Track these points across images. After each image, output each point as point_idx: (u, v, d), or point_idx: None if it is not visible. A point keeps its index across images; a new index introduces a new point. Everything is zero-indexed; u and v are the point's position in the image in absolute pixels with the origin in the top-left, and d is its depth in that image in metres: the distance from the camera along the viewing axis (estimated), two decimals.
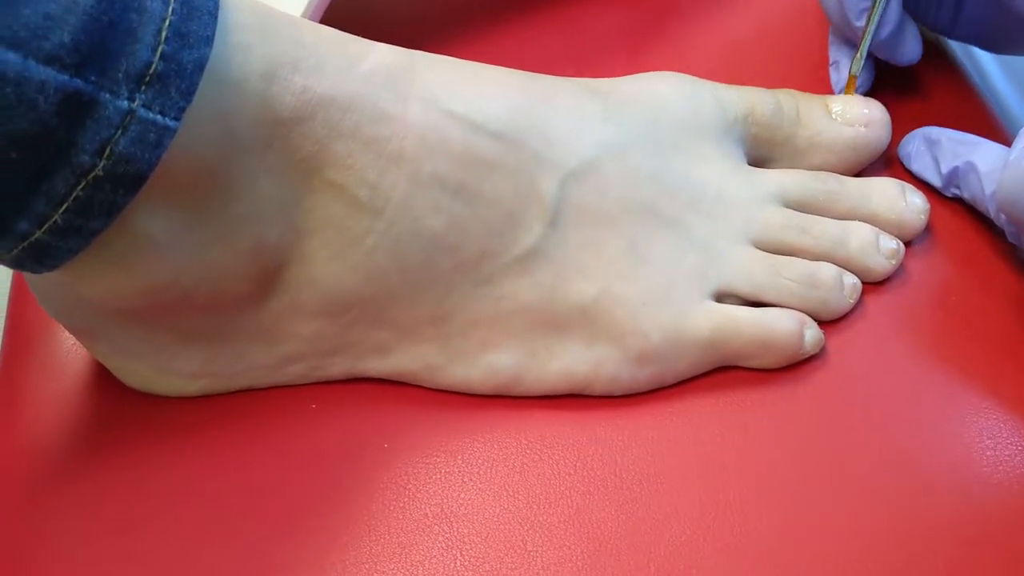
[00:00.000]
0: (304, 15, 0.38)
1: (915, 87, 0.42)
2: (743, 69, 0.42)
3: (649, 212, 0.33)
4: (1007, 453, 0.31)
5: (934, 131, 0.38)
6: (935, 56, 0.43)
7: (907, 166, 0.39)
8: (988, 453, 0.31)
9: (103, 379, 0.34)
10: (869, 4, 0.37)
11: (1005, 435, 0.31)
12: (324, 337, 0.32)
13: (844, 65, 0.40)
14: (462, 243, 0.31)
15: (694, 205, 0.33)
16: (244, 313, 0.31)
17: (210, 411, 0.33)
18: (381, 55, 0.30)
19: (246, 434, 0.33)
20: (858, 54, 0.38)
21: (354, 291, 0.31)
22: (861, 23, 0.38)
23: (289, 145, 0.28)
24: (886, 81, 0.41)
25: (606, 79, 0.35)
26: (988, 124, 0.42)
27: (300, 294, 0.31)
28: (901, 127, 0.40)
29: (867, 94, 0.40)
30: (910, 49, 0.39)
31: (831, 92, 0.41)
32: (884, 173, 0.39)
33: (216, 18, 0.26)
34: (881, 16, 0.37)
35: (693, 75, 0.36)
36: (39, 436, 0.33)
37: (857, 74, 0.38)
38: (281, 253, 0.30)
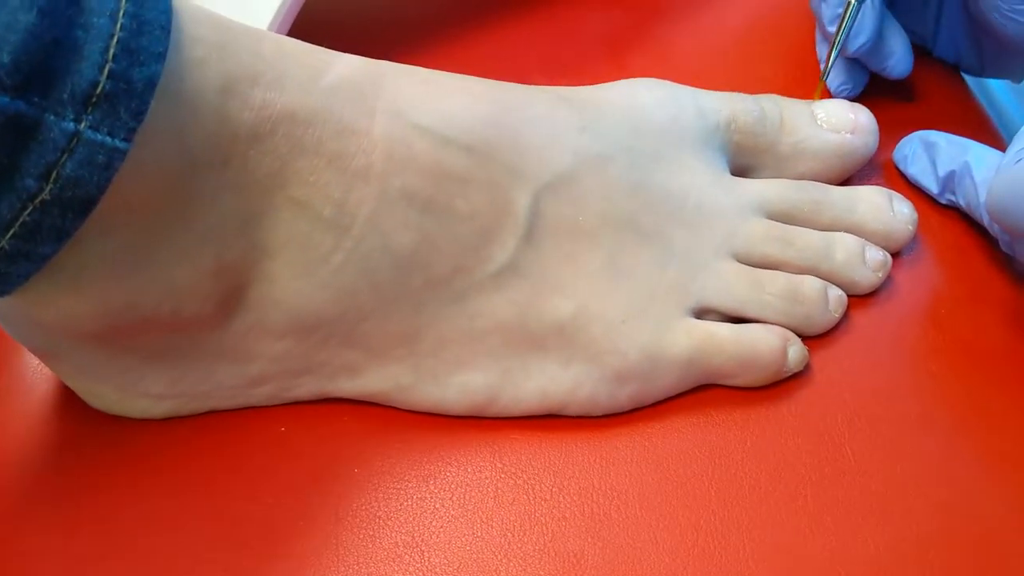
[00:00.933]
0: (273, 24, 0.37)
1: (910, 91, 0.41)
2: (729, 72, 0.41)
3: (628, 225, 0.32)
4: (994, 472, 0.30)
5: (932, 134, 0.37)
6: (930, 61, 0.42)
7: (903, 170, 0.38)
8: (974, 473, 0.30)
9: (70, 401, 0.33)
10: (840, 11, 0.37)
11: (993, 454, 0.30)
12: (292, 357, 0.31)
13: (835, 69, 0.39)
14: (433, 260, 0.30)
15: (675, 217, 0.32)
16: (209, 333, 0.30)
17: (178, 434, 0.32)
18: (346, 67, 0.29)
19: (214, 460, 0.32)
20: (828, 61, 0.37)
21: (322, 310, 0.30)
22: (833, 29, 0.37)
23: (249, 162, 0.27)
24: (881, 85, 0.40)
25: (585, 87, 0.34)
26: (986, 129, 0.41)
27: (266, 313, 0.30)
28: (896, 132, 0.39)
29: (860, 98, 0.39)
30: (898, 62, 0.38)
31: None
32: (875, 180, 0.38)
33: (169, 33, 0.25)
34: (852, 25, 0.36)
35: (677, 80, 0.35)
36: (3, 462, 0.32)
37: (825, 79, 0.37)
38: (244, 272, 0.29)
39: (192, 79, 0.26)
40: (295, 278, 0.29)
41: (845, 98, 0.39)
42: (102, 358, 0.31)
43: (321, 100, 0.28)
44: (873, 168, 0.38)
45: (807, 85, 0.40)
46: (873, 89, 0.40)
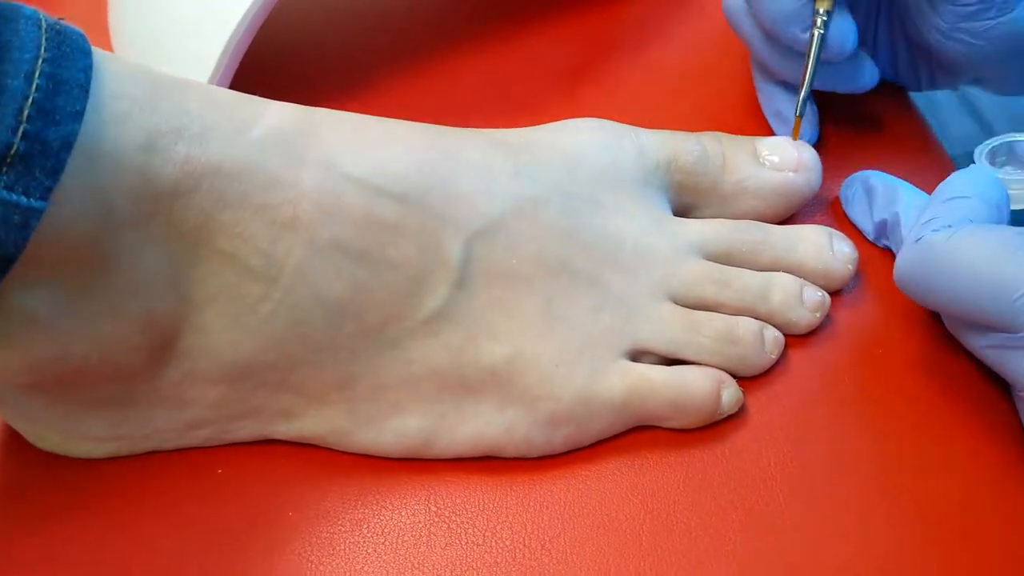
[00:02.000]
0: (224, 54, 0.37)
1: (861, 114, 0.41)
2: (683, 108, 0.41)
3: (563, 270, 0.32)
4: (929, 520, 0.30)
5: (872, 176, 0.37)
6: (889, 90, 0.42)
7: (845, 210, 0.38)
8: (908, 522, 0.30)
9: (15, 440, 0.33)
10: (804, 27, 0.36)
11: (927, 501, 0.30)
12: (228, 403, 0.31)
13: (788, 112, 0.39)
14: (365, 308, 0.30)
15: (611, 261, 0.32)
16: (143, 382, 0.30)
17: (119, 475, 0.32)
18: (277, 117, 0.29)
19: (153, 500, 0.32)
20: (801, 94, 0.36)
21: (253, 358, 0.30)
22: (801, 38, 0.36)
23: (173, 216, 0.27)
24: (832, 112, 0.40)
25: (525, 129, 0.34)
26: (932, 150, 0.41)
27: (198, 362, 0.30)
28: (846, 160, 0.39)
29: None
30: (866, 75, 0.38)
31: (769, 130, 0.40)
32: (823, 217, 0.38)
33: (87, 91, 0.25)
34: (819, 55, 0.36)
35: (632, 115, 0.35)
36: None
37: (802, 114, 0.37)
38: (174, 323, 0.29)
39: (113, 136, 0.26)
40: (225, 329, 0.29)
41: (809, 143, 0.39)
42: (42, 404, 0.31)
43: (248, 152, 0.28)
44: (821, 205, 0.38)
45: (759, 122, 0.40)
46: (831, 119, 0.40)
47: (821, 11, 0.35)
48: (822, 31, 0.35)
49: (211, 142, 0.28)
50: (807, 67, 0.36)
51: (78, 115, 0.25)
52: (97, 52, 0.26)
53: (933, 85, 0.40)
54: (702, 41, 0.43)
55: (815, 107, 0.39)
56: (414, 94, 0.41)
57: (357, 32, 0.44)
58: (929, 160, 0.40)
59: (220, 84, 0.38)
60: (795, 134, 0.36)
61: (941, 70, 0.39)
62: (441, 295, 0.30)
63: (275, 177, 0.28)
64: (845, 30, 0.36)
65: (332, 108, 0.32)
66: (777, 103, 0.39)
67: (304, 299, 0.29)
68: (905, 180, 0.37)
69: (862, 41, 0.40)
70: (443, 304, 0.30)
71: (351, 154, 0.30)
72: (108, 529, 0.31)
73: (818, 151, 0.39)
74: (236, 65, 0.38)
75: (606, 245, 0.32)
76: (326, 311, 0.29)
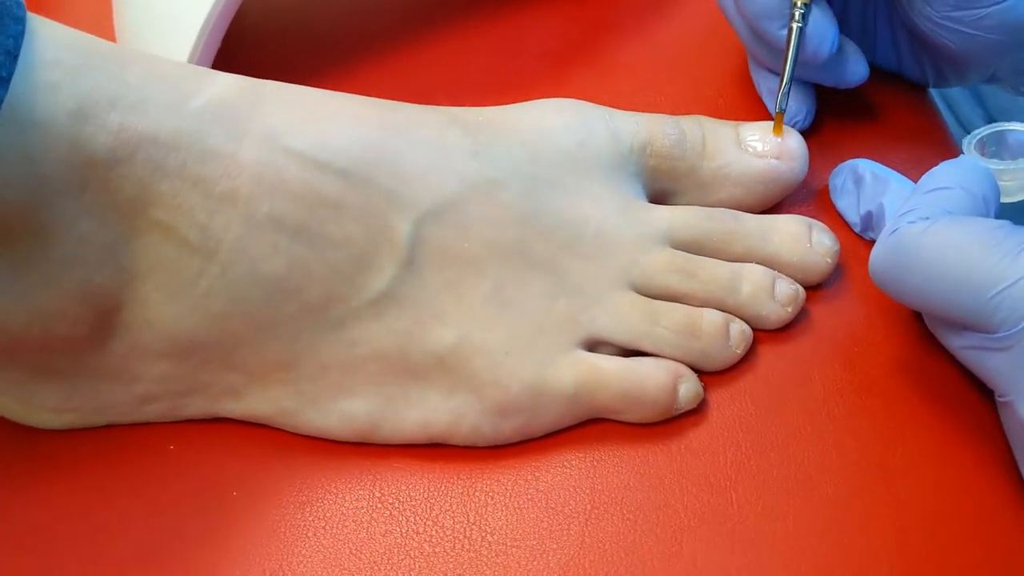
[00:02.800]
0: (202, 34, 0.37)
1: (872, 106, 0.39)
2: (673, 90, 0.40)
3: (518, 254, 0.31)
4: (888, 531, 0.28)
5: (861, 165, 0.35)
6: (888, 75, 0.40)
7: (833, 200, 0.36)
8: (861, 531, 0.28)
9: None
10: (783, 23, 0.35)
11: (885, 511, 0.29)
12: (175, 378, 0.31)
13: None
14: (305, 286, 0.29)
15: (571, 247, 0.31)
16: (89, 353, 0.30)
17: (75, 445, 0.32)
18: (221, 88, 0.29)
19: (100, 473, 0.32)
20: (780, 89, 0.35)
21: (194, 334, 0.29)
22: (779, 35, 0.35)
23: (108, 186, 0.27)
24: (831, 100, 0.38)
25: (490, 108, 0.33)
26: (940, 138, 0.39)
27: (140, 336, 0.30)
28: (845, 150, 0.37)
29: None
30: (854, 69, 0.36)
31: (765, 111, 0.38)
32: (810, 207, 0.36)
33: (15, 58, 0.25)
34: (799, 48, 0.34)
35: (618, 98, 0.34)
36: None
37: (783, 110, 0.35)
38: (113, 295, 0.29)
39: (42, 104, 0.26)
40: (165, 302, 0.29)
41: (800, 128, 0.37)
42: None
43: (186, 123, 0.28)
44: (810, 194, 0.36)
45: (752, 105, 0.39)
46: (823, 105, 0.38)
47: (799, 4, 0.34)
48: (800, 24, 0.34)
49: (148, 112, 0.27)
50: (785, 63, 0.35)
51: (4, 81, 0.25)
52: (33, 19, 0.26)
53: (943, 81, 0.38)
54: (698, 21, 0.41)
55: (811, 89, 0.37)
56: (398, 73, 0.41)
57: (340, 11, 0.44)
58: (935, 149, 0.38)
59: (201, 62, 0.37)
60: (776, 130, 0.34)
61: (946, 64, 0.37)
62: (388, 276, 0.30)
63: (214, 149, 0.28)
64: (823, 30, 0.34)
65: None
66: (772, 83, 0.37)
67: (243, 275, 0.29)
68: (911, 170, 0.35)
69: (862, 35, 0.38)
70: (389, 285, 0.30)
71: (295, 127, 0.29)
72: (49, 497, 0.31)
73: (813, 137, 0.37)
74: (214, 50, 0.37)
75: (566, 230, 0.31)
76: (265, 288, 0.29)
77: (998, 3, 0.32)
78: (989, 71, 0.36)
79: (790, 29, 0.34)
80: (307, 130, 0.29)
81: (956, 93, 0.68)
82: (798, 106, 0.37)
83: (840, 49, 0.36)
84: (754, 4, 0.35)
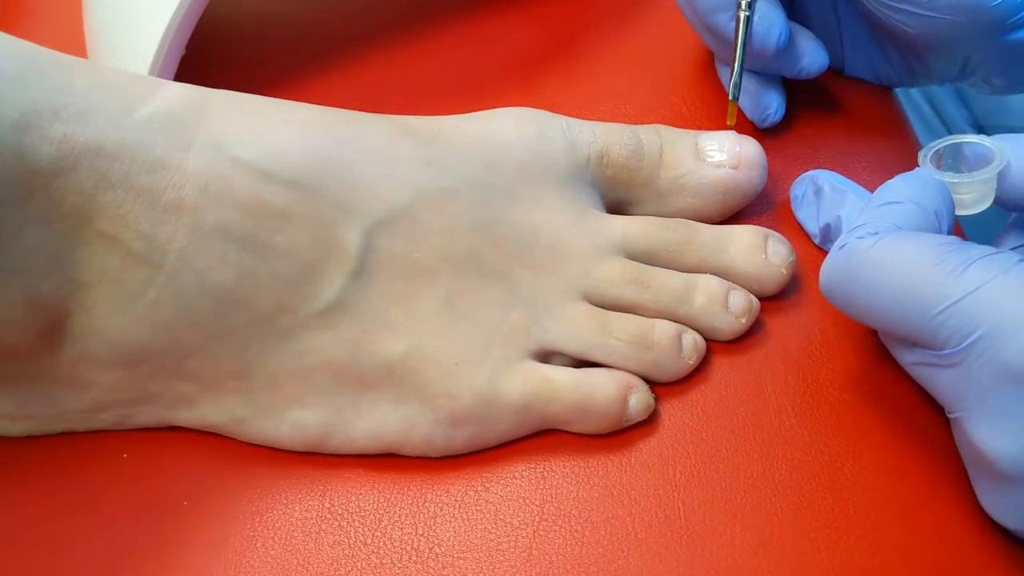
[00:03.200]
0: (160, 47, 0.37)
1: (840, 112, 0.39)
2: (640, 99, 0.40)
3: (470, 264, 0.31)
4: (834, 542, 0.28)
5: (821, 176, 0.35)
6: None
7: (794, 211, 0.36)
8: (807, 544, 0.28)
9: None
10: (731, 15, 0.35)
11: (830, 524, 0.28)
12: (126, 387, 0.31)
13: (751, 95, 0.37)
14: (254, 296, 0.29)
15: (523, 257, 0.31)
16: (39, 360, 0.30)
17: (30, 452, 0.32)
18: (167, 98, 0.29)
19: (52, 480, 0.32)
20: (732, 78, 0.35)
21: (143, 344, 0.29)
22: (727, 26, 0.35)
23: (52, 196, 0.27)
24: (809, 105, 0.38)
25: (446, 117, 0.33)
26: (905, 141, 0.39)
27: (89, 344, 0.30)
28: (819, 160, 0.37)
29: (783, 121, 0.38)
30: (812, 60, 0.36)
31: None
32: (770, 217, 0.36)
33: None
34: (747, 36, 0.34)
35: (586, 107, 0.34)
36: None
37: (735, 99, 0.35)
38: (60, 304, 0.29)
39: None
40: (112, 312, 0.29)
41: (770, 122, 0.38)
42: None
43: (131, 133, 0.28)
44: (771, 204, 0.36)
45: (717, 112, 0.39)
46: (789, 113, 0.38)
47: None
48: (747, 13, 0.34)
49: (93, 122, 0.27)
50: (735, 52, 0.35)
51: None
52: None
53: (913, 78, 0.38)
54: (664, 28, 0.41)
55: (780, 83, 0.37)
56: (364, 80, 0.41)
57: (302, 19, 0.44)
58: (901, 158, 0.38)
59: (164, 69, 0.37)
60: (729, 119, 0.35)
61: (913, 56, 0.36)
62: (337, 285, 0.30)
63: (159, 159, 0.28)
64: (770, 21, 0.34)
65: (280, 94, 0.31)
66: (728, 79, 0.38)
67: (190, 285, 0.29)
68: (877, 179, 0.34)
69: (827, 35, 0.38)
70: (339, 295, 0.30)
71: (243, 137, 0.29)
72: (9, 512, 0.31)
73: (777, 146, 0.37)
74: (179, 54, 0.37)
75: (519, 241, 0.31)
76: (213, 298, 0.29)
77: None
78: (956, 61, 0.36)
79: (737, 19, 0.35)
80: (255, 140, 0.29)
81: (941, 94, 0.68)
82: (768, 99, 0.37)
83: (793, 40, 0.36)
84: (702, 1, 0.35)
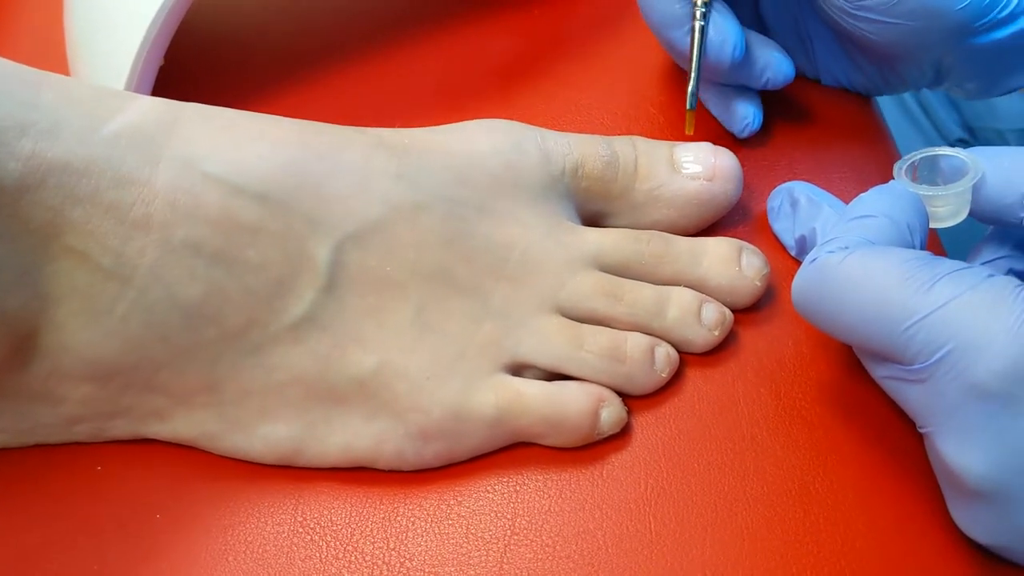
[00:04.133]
0: (137, 58, 0.37)
1: (818, 122, 0.39)
2: (619, 108, 0.40)
3: (441, 278, 0.31)
4: (804, 556, 0.28)
5: (797, 188, 0.35)
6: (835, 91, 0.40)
7: (771, 223, 0.36)
8: (780, 557, 0.28)
9: None
10: (687, 28, 0.35)
11: (803, 537, 0.28)
12: (98, 401, 0.31)
13: (726, 106, 0.37)
14: (224, 311, 0.29)
15: (495, 270, 0.31)
16: (10, 375, 0.30)
17: (4, 465, 0.32)
18: (137, 113, 0.29)
19: (26, 493, 0.32)
20: (689, 88, 0.35)
21: (114, 359, 0.29)
22: (681, 41, 0.35)
23: (19, 212, 0.27)
24: (779, 119, 0.38)
25: (420, 129, 0.33)
26: (883, 149, 0.39)
27: (60, 359, 0.30)
28: (793, 171, 0.37)
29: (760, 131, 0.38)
30: (776, 71, 0.36)
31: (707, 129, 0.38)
32: (746, 229, 0.36)
33: None
34: (703, 46, 0.34)
35: (564, 116, 0.34)
36: None
37: (692, 108, 0.35)
38: (29, 320, 0.29)
39: None
40: (82, 327, 0.29)
41: (748, 132, 0.38)
42: None
43: (99, 149, 0.28)
44: (749, 216, 0.36)
45: (709, 123, 0.39)
46: (767, 124, 0.38)
47: (699, 3, 0.34)
48: (702, 23, 0.34)
49: (61, 138, 0.27)
50: (691, 63, 0.35)
51: None
52: None
53: (887, 85, 0.38)
54: (642, 39, 0.41)
55: (756, 96, 0.38)
56: (341, 92, 0.41)
57: (279, 31, 0.43)
58: (880, 168, 0.38)
59: (142, 79, 0.37)
60: (688, 128, 0.35)
61: (883, 64, 0.36)
62: (307, 300, 0.30)
63: (128, 175, 0.28)
64: (724, 34, 0.34)
65: (259, 105, 0.31)
66: (705, 92, 0.38)
67: (159, 300, 0.29)
68: (854, 190, 0.34)
69: (800, 47, 0.38)
70: (309, 309, 0.30)
71: (212, 152, 0.29)
72: None
73: (755, 157, 0.37)
74: (157, 64, 0.37)
75: (491, 254, 0.31)
76: (183, 313, 0.29)
77: None
78: (926, 67, 0.36)
79: (692, 29, 0.35)
80: (225, 155, 0.29)
81: (932, 98, 0.68)
82: (745, 110, 0.37)
83: (752, 51, 0.36)
84: (655, 14, 0.35)
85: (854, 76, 0.38)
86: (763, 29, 0.38)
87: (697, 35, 0.35)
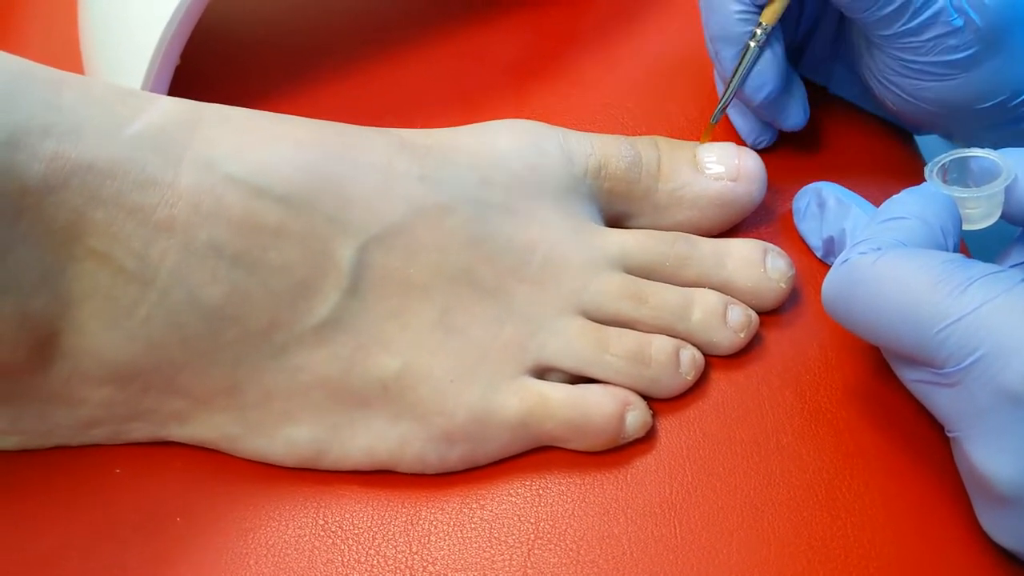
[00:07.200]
0: (154, 58, 0.37)
1: (835, 125, 0.39)
2: (636, 107, 0.39)
3: (465, 280, 0.30)
4: (831, 560, 0.28)
5: (825, 188, 0.34)
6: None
7: (796, 223, 0.35)
8: (808, 561, 0.28)
9: None
10: (739, 50, 0.35)
11: (830, 541, 0.28)
12: (117, 403, 0.30)
13: (744, 120, 0.37)
14: (246, 313, 0.29)
15: (518, 272, 0.31)
16: (31, 377, 0.30)
17: (23, 466, 0.32)
18: (159, 113, 0.28)
19: (46, 494, 0.31)
20: (721, 104, 0.35)
21: (135, 361, 0.29)
22: (726, 64, 0.35)
23: (43, 213, 0.27)
24: (813, 121, 0.38)
25: (442, 130, 0.33)
26: (907, 164, 0.39)
27: (81, 361, 0.29)
28: (817, 172, 0.37)
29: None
30: (793, 115, 0.36)
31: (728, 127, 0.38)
32: (770, 230, 0.35)
33: None
34: (750, 69, 0.34)
35: (579, 115, 0.34)
36: None
37: (716, 122, 0.35)
38: (51, 322, 0.28)
39: None
40: (103, 329, 0.29)
41: (762, 148, 0.37)
42: None
43: (122, 150, 0.27)
44: (773, 216, 0.36)
45: (726, 125, 0.38)
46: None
47: (758, 34, 0.34)
48: (756, 51, 0.34)
49: (83, 139, 0.27)
50: (729, 83, 0.35)
51: None
52: None
53: (920, 129, 0.38)
54: (661, 37, 0.41)
55: (803, 89, 0.37)
56: (358, 93, 0.40)
57: (297, 30, 0.43)
58: (904, 173, 0.38)
59: (158, 79, 0.37)
60: (704, 137, 0.35)
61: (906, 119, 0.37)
62: (331, 302, 0.29)
63: (151, 176, 0.28)
64: (764, 77, 0.35)
65: (275, 104, 0.31)
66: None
67: (181, 302, 0.28)
68: (880, 193, 0.34)
69: (827, 49, 0.38)
70: (333, 311, 0.29)
71: (234, 154, 0.29)
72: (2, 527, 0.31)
73: (778, 158, 0.37)
74: (174, 63, 0.37)
75: (514, 256, 0.31)
76: (205, 315, 0.29)
77: (940, 81, 0.32)
78: (936, 131, 0.37)
79: (744, 52, 0.34)
80: (247, 156, 0.29)
81: None
82: (761, 128, 0.37)
83: (781, 96, 0.36)
84: (715, 25, 0.35)
85: (863, 94, 0.38)
86: (800, 50, 0.38)
87: (747, 61, 0.34)
